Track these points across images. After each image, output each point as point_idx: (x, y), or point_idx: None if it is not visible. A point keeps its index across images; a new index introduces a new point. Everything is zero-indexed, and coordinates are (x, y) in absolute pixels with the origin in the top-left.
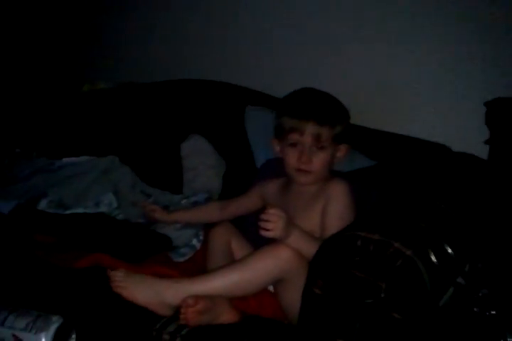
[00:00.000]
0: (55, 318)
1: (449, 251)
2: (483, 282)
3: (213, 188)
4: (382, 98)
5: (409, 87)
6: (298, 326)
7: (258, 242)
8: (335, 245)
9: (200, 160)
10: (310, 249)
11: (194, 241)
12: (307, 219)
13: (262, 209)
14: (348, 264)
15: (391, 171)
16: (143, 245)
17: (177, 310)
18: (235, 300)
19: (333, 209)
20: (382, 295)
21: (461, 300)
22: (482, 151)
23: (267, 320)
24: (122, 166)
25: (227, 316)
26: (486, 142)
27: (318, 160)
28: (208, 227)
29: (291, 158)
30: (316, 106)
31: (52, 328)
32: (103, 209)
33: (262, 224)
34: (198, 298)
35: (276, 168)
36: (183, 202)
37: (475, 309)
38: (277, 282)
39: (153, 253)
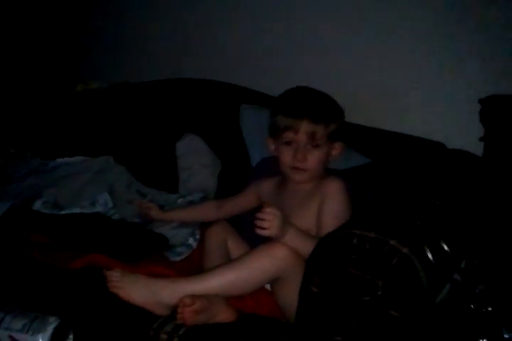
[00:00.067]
0: (51, 319)
1: (445, 248)
2: (480, 278)
3: (209, 187)
4: (377, 96)
5: (404, 85)
6: (295, 324)
7: (254, 241)
8: (331, 243)
9: (195, 159)
10: (306, 247)
11: (190, 241)
12: (303, 218)
13: (258, 207)
14: (345, 262)
15: (386, 169)
16: (139, 245)
17: (174, 309)
18: (232, 299)
19: (329, 208)
20: (379, 293)
21: (457, 297)
22: (477, 148)
23: (264, 319)
24: (117, 166)
25: (224, 315)
26: (481, 139)
27: (313, 158)
28: (204, 226)
29: (286, 157)
30: (311, 105)
31: (50, 329)
32: (98, 209)
33: (258, 223)
34: (194, 297)
35: (271, 167)
36: (179, 201)
37: (471, 305)
38: (274, 281)
39: (150, 253)
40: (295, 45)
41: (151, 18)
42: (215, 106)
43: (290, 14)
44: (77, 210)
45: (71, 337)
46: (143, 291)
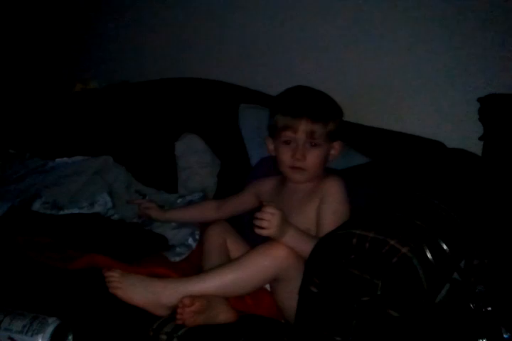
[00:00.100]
0: (51, 320)
1: (445, 247)
2: (479, 278)
3: (208, 187)
4: (377, 96)
5: (403, 84)
6: (295, 324)
7: (254, 241)
8: (330, 243)
9: (194, 159)
10: (306, 247)
11: (190, 241)
12: (302, 217)
13: (258, 207)
14: (344, 262)
15: (386, 168)
16: (138, 245)
17: (174, 310)
18: (232, 300)
19: (329, 207)
20: (379, 293)
21: (457, 297)
22: (476, 147)
23: (264, 319)
24: (116, 166)
25: (223, 316)
26: (480, 138)
27: (312, 157)
28: (203, 226)
29: (285, 156)
30: (309, 104)
31: (49, 330)
32: (98, 209)
33: (257, 223)
34: (194, 298)
35: (270, 167)
36: (179, 201)
37: (471, 305)
38: (274, 281)
39: (149, 253)
40: (295, 45)
41: (151, 18)
42: (214, 106)
43: (290, 14)
44: (76, 210)
45: (71, 337)
46: (142, 292)
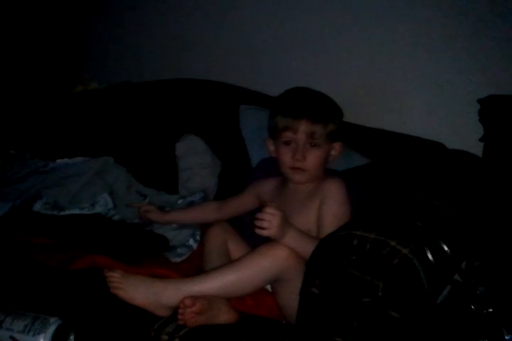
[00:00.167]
0: (53, 320)
1: (446, 248)
2: (480, 280)
3: (209, 188)
4: (377, 97)
5: (404, 85)
6: (296, 325)
7: (255, 242)
8: (331, 244)
9: (195, 159)
10: (307, 248)
11: (191, 241)
12: (303, 219)
13: (259, 208)
14: (345, 263)
15: (386, 169)
16: (139, 245)
17: (175, 310)
18: (232, 300)
19: (329, 208)
20: (380, 294)
21: (458, 298)
22: (476, 148)
23: (265, 320)
24: (117, 167)
25: (225, 316)
26: (481, 139)
27: (313, 158)
28: (204, 227)
29: (286, 157)
30: (309, 105)
31: (51, 330)
32: (99, 210)
33: (258, 223)
34: (195, 298)
35: (271, 168)
36: (179, 202)
37: (472, 306)
38: (275, 281)
39: (150, 254)
40: (295, 46)
41: (151, 19)
42: (214, 107)
43: (290, 15)
44: (77, 211)
45: (72, 337)
46: (144, 292)
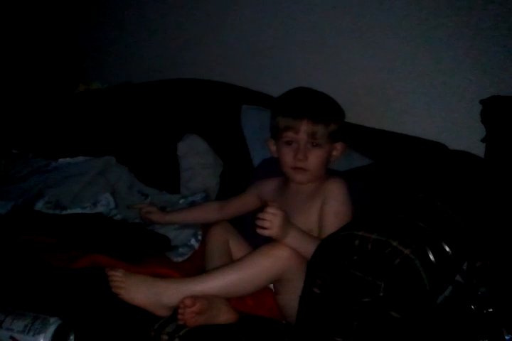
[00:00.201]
0: (53, 320)
1: (447, 249)
2: (482, 280)
3: (210, 188)
4: (379, 97)
5: (405, 85)
6: (296, 325)
7: (256, 242)
8: (333, 244)
9: (196, 159)
10: (308, 248)
11: (192, 241)
12: (304, 218)
13: (260, 208)
14: (347, 263)
15: (388, 170)
16: (141, 245)
17: (175, 310)
18: (232, 300)
19: (331, 208)
20: (381, 294)
21: (459, 298)
22: (478, 149)
23: (265, 320)
24: (119, 166)
25: (225, 316)
26: (483, 140)
27: (314, 158)
28: (206, 227)
29: (287, 157)
30: (310, 105)
31: (51, 330)
32: (100, 209)
33: (259, 223)
34: (196, 298)
35: (272, 168)
36: (181, 202)
37: (472, 307)
38: (276, 281)
39: (152, 253)
40: (297, 46)
41: (152, 19)
42: (216, 107)
43: (291, 14)
44: (79, 210)
45: (72, 337)
46: (144, 292)
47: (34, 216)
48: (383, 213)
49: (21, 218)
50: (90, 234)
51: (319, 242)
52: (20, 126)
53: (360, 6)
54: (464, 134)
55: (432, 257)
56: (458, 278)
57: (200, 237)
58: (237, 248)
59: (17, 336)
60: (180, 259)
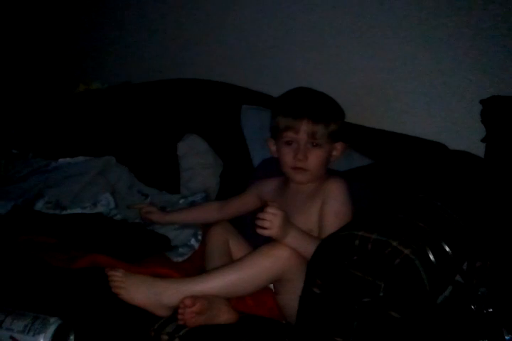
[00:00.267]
0: (53, 320)
1: (447, 249)
2: (482, 280)
3: (210, 188)
4: (378, 97)
5: (405, 85)
6: (296, 325)
7: (256, 242)
8: (333, 244)
9: (196, 159)
10: (308, 248)
11: (192, 241)
12: (304, 218)
13: (260, 208)
14: (347, 263)
15: (388, 170)
16: (141, 245)
17: (175, 310)
18: (232, 300)
19: (331, 208)
20: (381, 294)
21: (459, 298)
22: (478, 149)
23: (265, 320)
24: (119, 166)
25: (225, 316)
26: (483, 140)
27: (314, 158)
28: (206, 227)
29: (287, 157)
30: (310, 105)
31: (51, 330)
32: (100, 209)
33: (259, 223)
34: (195, 298)
35: (272, 168)
36: (181, 201)
37: (472, 307)
38: (276, 281)
39: (152, 253)
40: (297, 46)
41: (152, 19)
42: (216, 107)
43: (291, 14)
44: (79, 210)
45: (72, 337)
46: (144, 292)
47: (34, 216)
48: (383, 213)
49: (21, 218)
50: (90, 234)
51: (319, 242)
52: (20, 126)
53: (360, 6)
54: (464, 134)
55: (432, 257)
56: (458, 278)
57: (200, 237)
58: (237, 248)
59: (17, 336)
60: (180, 259)
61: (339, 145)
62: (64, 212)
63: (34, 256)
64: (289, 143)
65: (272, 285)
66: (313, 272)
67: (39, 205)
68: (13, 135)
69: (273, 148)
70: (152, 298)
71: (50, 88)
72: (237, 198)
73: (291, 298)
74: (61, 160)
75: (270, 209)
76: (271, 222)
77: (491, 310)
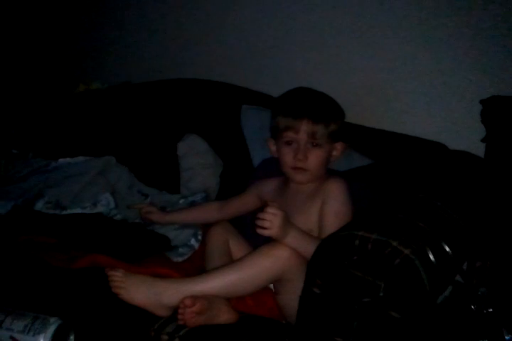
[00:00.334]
0: (53, 320)
1: (447, 249)
2: (482, 280)
3: (210, 188)
4: (378, 97)
5: (405, 85)
6: (296, 325)
7: (256, 242)
8: (333, 244)
9: (196, 159)
10: (308, 248)
11: (192, 241)
12: (304, 218)
13: (260, 208)
14: (347, 263)
15: (388, 170)
16: (141, 245)
17: (175, 310)
18: (232, 300)
19: (331, 208)
20: (381, 294)
21: (459, 298)
22: (478, 149)
23: (265, 320)
24: (119, 166)
25: (225, 316)
26: (483, 140)
27: (314, 158)
28: (206, 227)
29: (287, 157)
30: (310, 105)
31: (51, 330)
32: (100, 209)
33: (259, 223)
34: (195, 298)
35: (272, 168)
36: (181, 201)
37: (472, 306)
38: (276, 281)
39: (152, 253)
40: (296, 46)
41: (152, 19)
42: (216, 107)
43: (291, 14)
44: (79, 210)
45: (72, 337)
46: (144, 292)
47: (34, 216)
48: (383, 213)
49: (21, 218)
50: (90, 234)
51: (319, 242)
52: (20, 126)
53: (360, 6)
54: (464, 134)
55: (432, 257)
56: (458, 278)
57: (200, 237)
58: (237, 248)
59: (17, 336)
60: (180, 259)
61: (339, 145)
62: (64, 212)
63: (34, 256)
64: (289, 143)
65: (272, 285)
66: (313, 272)
67: (39, 205)
68: (13, 135)
69: (273, 148)
70: (152, 298)
71: (50, 88)
72: (237, 198)
73: (291, 298)
74: (61, 160)
75: (270, 209)
76: (271, 222)
77: (491, 310)
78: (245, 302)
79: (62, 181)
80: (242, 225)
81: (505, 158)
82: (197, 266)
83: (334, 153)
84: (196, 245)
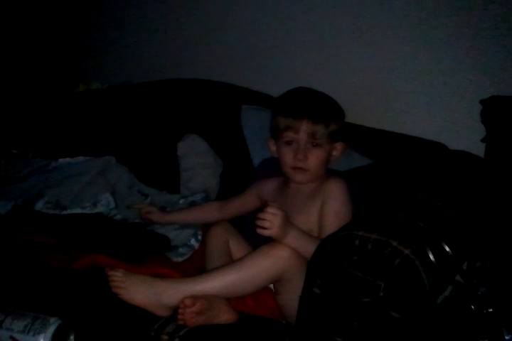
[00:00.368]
0: (53, 320)
1: (447, 249)
2: (482, 280)
3: (210, 188)
4: (378, 97)
5: (405, 85)
6: (296, 325)
7: (256, 242)
8: (333, 244)
9: (196, 159)
10: (308, 248)
11: (192, 241)
12: (304, 218)
13: (260, 208)
14: (347, 263)
15: (388, 170)
16: (141, 245)
17: (175, 310)
18: (232, 300)
19: (331, 208)
20: (381, 294)
21: (459, 298)
22: (478, 149)
23: (265, 320)
24: (119, 166)
25: (225, 316)
26: (483, 140)
27: (314, 158)
28: (206, 227)
29: (287, 157)
30: (310, 105)
31: (51, 330)
32: (100, 209)
33: (259, 223)
34: (195, 298)
35: (272, 168)
36: (181, 201)
37: (472, 306)
38: (276, 281)
39: (152, 253)
40: (296, 46)
41: (152, 19)
42: (216, 107)
43: (291, 14)
44: (79, 210)
45: (72, 337)
46: (144, 292)
47: (34, 216)
48: (383, 213)
49: (21, 218)
50: (90, 234)
51: (319, 242)
52: (20, 126)
53: (360, 6)
54: (464, 134)
55: (432, 257)
56: (458, 278)
57: (200, 237)
58: (237, 248)
59: (17, 336)
60: (180, 259)
61: (339, 145)
62: (64, 212)
63: (34, 256)
64: (289, 143)
65: (272, 285)
66: (313, 272)
67: (39, 205)
68: (13, 135)
69: (273, 148)
70: (152, 298)
71: (50, 88)
72: (237, 198)
73: (291, 298)
74: (61, 160)
75: (270, 209)
76: (271, 222)
77: (491, 310)
78: (245, 302)
79: (62, 181)
80: (242, 225)
81: (505, 158)
82: (197, 266)
83: (334, 153)
84: (196, 245)
